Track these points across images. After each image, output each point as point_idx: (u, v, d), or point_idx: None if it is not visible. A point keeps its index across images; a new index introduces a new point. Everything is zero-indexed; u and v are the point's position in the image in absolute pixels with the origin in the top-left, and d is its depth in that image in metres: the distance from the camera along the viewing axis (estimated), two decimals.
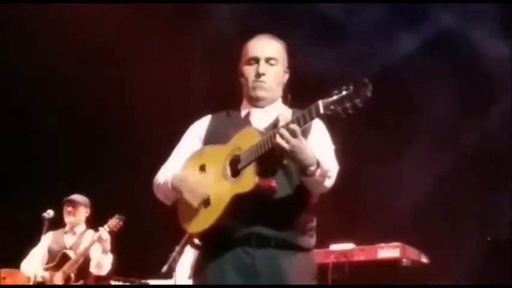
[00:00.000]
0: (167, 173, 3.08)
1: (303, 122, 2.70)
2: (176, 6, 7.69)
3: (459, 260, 6.25)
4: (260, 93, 3.06)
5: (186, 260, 5.61)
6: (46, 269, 6.56)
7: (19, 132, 8.36)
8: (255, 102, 3.09)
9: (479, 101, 6.86)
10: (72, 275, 6.46)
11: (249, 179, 2.78)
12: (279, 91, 3.12)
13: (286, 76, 3.15)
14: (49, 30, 7.67)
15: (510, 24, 6.72)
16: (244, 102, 3.15)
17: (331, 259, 5.70)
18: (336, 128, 3.09)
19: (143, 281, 7.05)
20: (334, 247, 5.88)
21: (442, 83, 6.94)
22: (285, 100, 3.13)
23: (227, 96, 3.28)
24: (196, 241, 3.06)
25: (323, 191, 2.92)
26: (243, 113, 3.12)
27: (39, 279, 6.51)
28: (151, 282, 6.95)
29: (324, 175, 2.81)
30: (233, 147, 2.90)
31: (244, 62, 3.10)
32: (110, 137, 8.18)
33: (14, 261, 6.85)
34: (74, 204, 6.77)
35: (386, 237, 5.90)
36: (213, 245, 2.93)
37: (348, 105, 2.61)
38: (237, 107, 3.17)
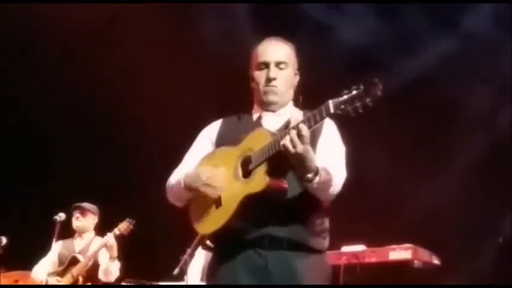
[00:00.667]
0: (179, 175, 3.09)
1: (313, 121, 2.72)
2: (184, 8, 7.70)
3: (470, 262, 6.23)
4: (271, 97, 3.07)
5: (198, 262, 5.63)
6: (53, 273, 6.59)
7: (26, 139, 8.40)
8: (266, 106, 3.10)
9: (492, 102, 6.86)
10: (81, 278, 6.50)
11: (260, 179, 2.79)
12: (290, 94, 3.13)
13: (297, 78, 3.16)
14: (49, 32, 7.70)
15: None
16: (256, 107, 3.15)
17: (342, 261, 5.69)
18: (348, 131, 3.10)
19: (154, 284, 7.07)
20: (346, 249, 5.86)
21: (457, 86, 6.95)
22: (296, 102, 3.13)
23: (238, 100, 3.29)
24: (208, 242, 3.07)
25: (327, 198, 2.93)
26: (255, 116, 3.13)
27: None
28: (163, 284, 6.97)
29: (325, 183, 2.82)
30: (244, 148, 2.92)
31: (255, 67, 3.11)
32: (120, 141, 8.20)
33: (25, 264, 6.89)
34: (83, 210, 6.82)
35: (398, 239, 5.89)
36: (225, 246, 2.94)
37: (358, 104, 2.62)
38: (249, 111, 3.18)
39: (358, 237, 6.01)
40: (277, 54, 3.08)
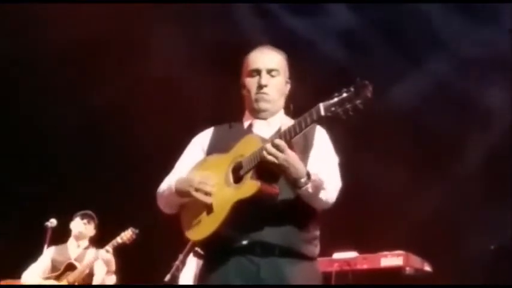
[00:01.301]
0: (170, 181, 3.09)
1: (304, 125, 2.73)
2: (179, 14, 7.70)
3: (462, 269, 6.24)
4: (263, 105, 3.07)
5: (189, 269, 5.61)
6: (48, 278, 6.56)
7: (21, 143, 8.37)
8: (257, 114, 3.10)
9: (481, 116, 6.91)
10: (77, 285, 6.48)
11: (251, 184, 2.80)
12: (281, 102, 3.13)
13: (288, 87, 3.16)
14: (49, 32, 7.69)
15: None
16: (247, 114, 3.16)
17: (334, 267, 5.69)
18: (340, 138, 3.10)
19: (143, 285, 7.06)
20: (338, 255, 5.87)
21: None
22: (287, 111, 3.14)
23: (229, 108, 3.29)
24: (200, 250, 3.06)
25: (322, 206, 2.93)
26: (246, 124, 3.14)
27: None
28: None
29: (318, 187, 2.82)
30: (236, 154, 2.92)
31: (246, 74, 3.12)
32: (111, 149, 8.18)
33: (14, 272, 6.86)
34: (90, 219, 6.83)
35: (390, 246, 5.89)
36: (216, 253, 2.94)
37: (348, 106, 2.65)
38: (240, 119, 3.18)
39: (349, 243, 6.01)
40: (269, 62, 3.09)
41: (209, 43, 7.72)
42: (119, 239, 6.51)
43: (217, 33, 7.62)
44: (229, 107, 3.34)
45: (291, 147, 2.79)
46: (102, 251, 6.51)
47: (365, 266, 5.78)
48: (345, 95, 2.66)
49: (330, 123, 2.82)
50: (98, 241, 6.85)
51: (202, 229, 2.93)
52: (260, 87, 3.06)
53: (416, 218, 6.78)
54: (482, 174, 6.79)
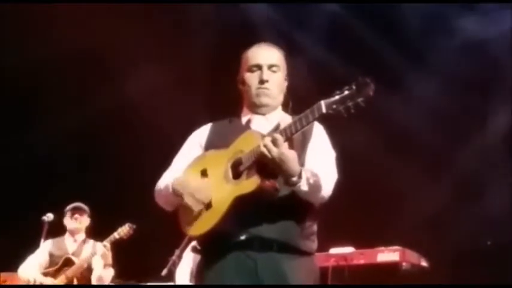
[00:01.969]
0: (168, 179, 3.08)
1: (305, 121, 2.73)
2: (176, 13, 7.71)
3: (458, 264, 6.26)
4: (264, 99, 3.08)
5: (186, 264, 5.62)
6: (46, 273, 6.56)
7: (23, 138, 8.38)
8: (257, 109, 3.10)
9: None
10: (75, 280, 6.48)
11: (251, 181, 2.80)
12: (280, 98, 3.13)
13: (286, 84, 3.17)
14: (49, 40, 7.70)
15: None
16: (245, 110, 3.16)
17: (331, 263, 5.69)
18: (337, 132, 3.11)
19: (142, 284, 7.06)
20: (334, 251, 5.87)
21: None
22: (285, 108, 3.14)
23: (227, 104, 3.29)
24: (197, 245, 3.07)
25: (317, 201, 2.93)
26: (244, 119, 3.13)
27: (40, 282, 6.52)
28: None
29: (312, 184, 2.81)
30: (235, 150, 2.92)
31: (246, 69, 3.11)
32: (110, 143, 8.18)
33: (13, 265, 6.86)
34: (82, 212, 6.80)
35: (386, 241, 5.90)
36: (214, 248, 2.93)
37: (350, 104, 2.64)
38: (237, 115, 3.18)
39: (346, 239, 6.02)
40: (270, 58, 3.10)
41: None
42: (116, 235, 6.51)
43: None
44: (224, 104, 3.34)
45: (291, 143, 2.79)
46: (99, 245, 6.50)
47: (361, 261, 5.79)
48: (346, 92, 2.66)
49: (330, 120, 2.82)
50: (95, 233, 6.83)
51: (201, 224, 2.92)
52: (261, 82, 3.06)
53: (413, 213, 6.79)
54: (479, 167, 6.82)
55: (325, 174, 2.89)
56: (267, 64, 3.07)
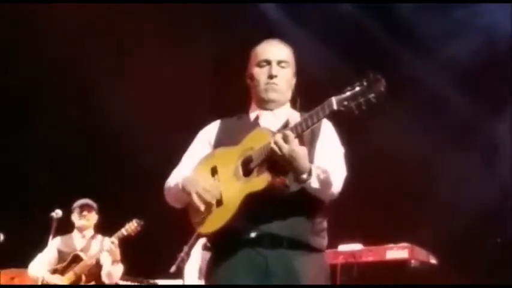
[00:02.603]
0: (178, 177, 3.08)
1: (316, 118, 2.72)
2: (180, 11, 7.71)
3: (468, 262, 6.23)
4: (272, 95, 3.07)
5: (195, 261, 5.62)
6: (55, 270, 6.57)
7: (26, 135, 8.40)
8: (265, 104, 3.10)
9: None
10: (84, 277, 6.48)
11: (261, 178, 2.79)
12: (288, 94, 3.13)
13: (294, 80, 3.16)
14: (49, 41, 7.70)
15: None
16: (253, 106, 3.15)
17: (339, 260, 5.69)
18: (345, 129, 3.09)
19: (151, 281, 7.05)
20: (343, 248, 5.87)
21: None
22: (293, 104, 3.13)
23: (235, 101, 3.28)
24: (207, 243, 3.06)
25: (327, 198, 2.92)
26: (252, 116, 3.13)
27: (47, 281, 6.52)
28: (160, 282, 6.95)
29: (322, 181, 2.81)
30: (245, 147, 2.91)
31: (255, 65, 3.11)
32: (118, 141, 8.19)
33: (22, 261, 6.87)
34: (90, 208, 6.79)
35: (395, 238, 5.88)
36: (224, 246, 2.92)
37: (361, 100, 2.63)
38: (246, 111, 3.17)
39: (355, 236, 6.00)
40: (280, 54, 3.10)
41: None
42: (123, 231, 6.50)
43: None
44: (232, 101, 3.33)
45: (301, 140, 2.78)
46: (107, 241, 6.49)
47: (370, 259, 5.79)
48: (357, 88, 2.64)
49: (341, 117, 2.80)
50: (103, 228, 6.83)
51: (212, 222, 2.91)
52: (270, 77, 3.05)
53: (422, 211, 6.77)
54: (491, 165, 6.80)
55: (334, 171, 2.88)
56: (276, 60, 3.07)
